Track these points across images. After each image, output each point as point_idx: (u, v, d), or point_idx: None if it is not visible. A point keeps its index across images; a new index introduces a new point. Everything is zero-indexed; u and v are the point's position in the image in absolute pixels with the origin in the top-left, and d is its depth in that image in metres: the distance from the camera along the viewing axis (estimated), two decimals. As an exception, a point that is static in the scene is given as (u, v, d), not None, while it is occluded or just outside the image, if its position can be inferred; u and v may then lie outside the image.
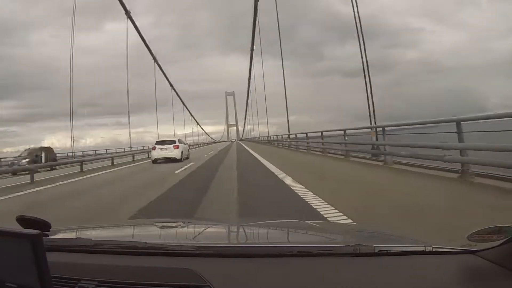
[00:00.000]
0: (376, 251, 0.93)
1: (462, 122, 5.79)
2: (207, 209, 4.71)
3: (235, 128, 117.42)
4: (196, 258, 0.95)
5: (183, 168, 11.74)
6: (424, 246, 0.94)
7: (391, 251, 0.95)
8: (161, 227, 1.69)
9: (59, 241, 1.10)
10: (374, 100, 13.65)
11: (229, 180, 7.85)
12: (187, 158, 17.01)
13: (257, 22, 32.55)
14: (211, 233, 1.58)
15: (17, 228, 0.84)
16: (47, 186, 9.14)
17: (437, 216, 3.52)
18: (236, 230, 1.58)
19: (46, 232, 1.02)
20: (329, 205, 4.30)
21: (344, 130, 12.11)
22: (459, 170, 5.76)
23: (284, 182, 6.74)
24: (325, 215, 3.86)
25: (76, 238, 1.20)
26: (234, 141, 50.78)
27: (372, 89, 13.81)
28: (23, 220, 0.94)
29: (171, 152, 15.72)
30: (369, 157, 10.04)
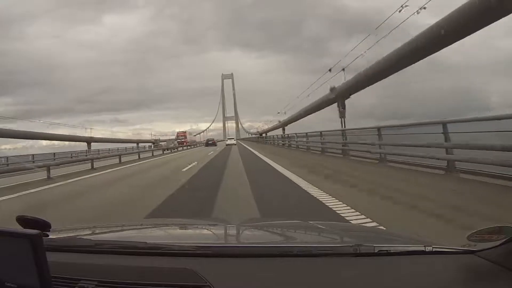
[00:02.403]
0: (376, 251, 0.93)
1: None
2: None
3: (234, 123, 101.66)
4: (196, 258, 0.95)
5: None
6: (424, 246, 0.94)
7: (391, 251, 0.95)
8: (161, 227, 1.69)
9: (59, 241, 1.09)
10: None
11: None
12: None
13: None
14: (211, 233, 1.58)
15: (17, 228, 0.84)
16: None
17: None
18: (236, 230, 1.57)
19: (46, 232, 1.02)
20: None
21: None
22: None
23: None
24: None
25: (76, 238, 1.20)
26: (233, 141, 36.98)
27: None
28: (23, 220, 0.94)
29: (233, 141, 40.15)
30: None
